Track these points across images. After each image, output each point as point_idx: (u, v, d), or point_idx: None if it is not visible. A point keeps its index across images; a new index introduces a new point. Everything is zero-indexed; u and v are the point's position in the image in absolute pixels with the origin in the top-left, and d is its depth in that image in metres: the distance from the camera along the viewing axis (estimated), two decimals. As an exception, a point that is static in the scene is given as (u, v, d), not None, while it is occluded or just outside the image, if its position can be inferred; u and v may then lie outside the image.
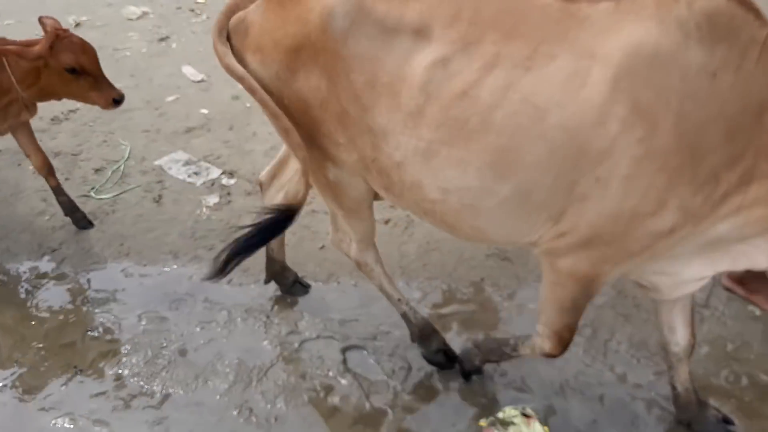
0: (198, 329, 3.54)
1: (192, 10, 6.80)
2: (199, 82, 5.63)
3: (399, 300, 3.25)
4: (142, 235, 4.13)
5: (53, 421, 3.14)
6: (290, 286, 3.70)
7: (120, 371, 3.35)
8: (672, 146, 2.15)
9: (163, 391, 3.25)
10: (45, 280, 3.86)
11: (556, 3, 2.23)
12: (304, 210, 3.54)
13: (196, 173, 4.60)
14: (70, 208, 4.14)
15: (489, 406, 3.10)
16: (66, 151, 4.75)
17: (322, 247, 3.99)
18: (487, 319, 3.55)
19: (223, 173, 4.60)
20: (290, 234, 3.63)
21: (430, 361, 3.28)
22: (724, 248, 2.40)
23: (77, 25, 6.32)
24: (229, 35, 2.69)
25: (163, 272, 3.90)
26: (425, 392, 3.21)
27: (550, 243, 2.45)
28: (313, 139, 2.64)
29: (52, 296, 3.78)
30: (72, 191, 4.21)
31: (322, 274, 3.84)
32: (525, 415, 2.97)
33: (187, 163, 4.69)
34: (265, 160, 4.64)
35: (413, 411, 3.13)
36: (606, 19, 2.18)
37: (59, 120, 5.06)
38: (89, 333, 3.54)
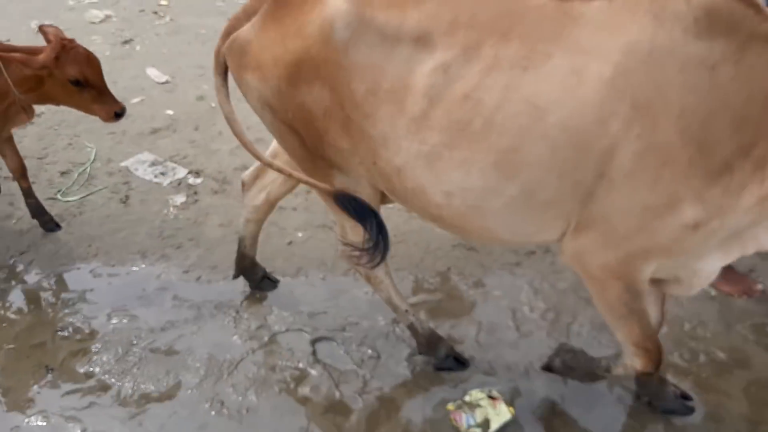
0: (168, 326, 3.56)
1: (155, 13, 6.82)
2: (163, 83, 5.65)
3: (406, 311, 3.23)
4: (110, 236, 4.14)
5: (26, 420, 3.14)
6: (259, 281, 3.73)
7: (91, 369, 3.36)
8: (676, 140, 2.18)
9: (135, 387, 3.27)
10: (14, 282, 3.86)
11: (551, 3, 2.26)
12: (272, 206, 3.58)
13: (162, 173, 4.62)
14: (38, 210, 4.14)
15: (456, 391, 3.17)
16: (31, 155, 4.73)
17: (290, 243, 4.04)
18: (454, 308, 3.62)
19: (189, 173, 4.62)
20: (258, 229, 3.67)
21: (441, 368, 3.27)
22: (738, 235, 2.41)
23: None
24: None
25: (132, 271, 3.92)
26: (394, 380, 3.26)
27: (571, 244, 2.48)
28: (318, 149, 2.66)
29: (22, 298, 3.77)
30: (39, 194, 4.20)
31: (291, 269, 3.88)
32: (491, 398, 3.05)
33: (153, 163, 4.71)
34: (231, 158, 4.69)
35: (383, 398, 3.18)
36: (600, 16, 2.21)
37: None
38: (59, 333, 3.54)
